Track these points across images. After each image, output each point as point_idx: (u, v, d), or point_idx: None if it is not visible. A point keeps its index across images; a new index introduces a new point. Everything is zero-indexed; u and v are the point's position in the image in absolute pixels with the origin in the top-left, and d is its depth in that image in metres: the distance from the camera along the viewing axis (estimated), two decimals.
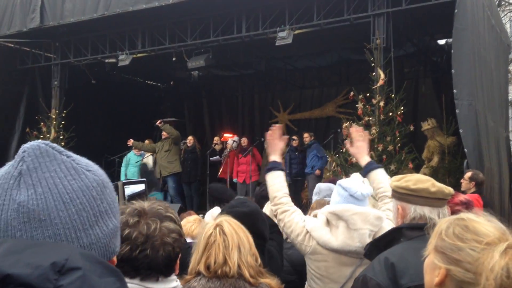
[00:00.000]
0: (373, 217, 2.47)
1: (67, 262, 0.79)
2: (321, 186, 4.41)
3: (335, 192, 2.64)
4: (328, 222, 2.54)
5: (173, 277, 1.44)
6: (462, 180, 6.08)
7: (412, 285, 1.76)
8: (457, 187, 5.81)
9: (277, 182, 2.79)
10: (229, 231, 1.94)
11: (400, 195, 2.03)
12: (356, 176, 3.21)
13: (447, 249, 1.38)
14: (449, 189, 2.03)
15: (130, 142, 10.50)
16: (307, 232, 2.56)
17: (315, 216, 2.80)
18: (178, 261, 1.46)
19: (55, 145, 0.91)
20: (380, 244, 2.03)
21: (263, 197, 4.09)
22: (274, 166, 2.86)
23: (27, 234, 0.84)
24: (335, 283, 2.50)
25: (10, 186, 0.85)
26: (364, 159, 2.94)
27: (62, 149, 0.92)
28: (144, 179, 4.94)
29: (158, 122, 10.19)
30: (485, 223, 1.38)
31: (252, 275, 1.89)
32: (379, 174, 2.84)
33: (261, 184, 4.53)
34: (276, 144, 2.96)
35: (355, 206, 2.47)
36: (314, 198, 4.38)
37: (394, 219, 2.10)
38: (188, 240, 3.23)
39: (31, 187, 0.85)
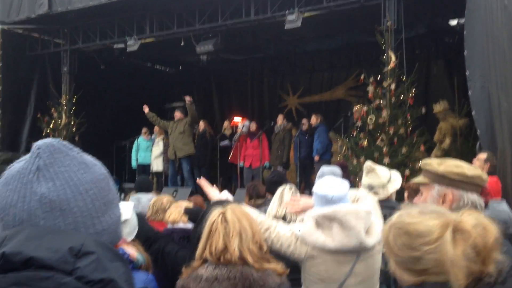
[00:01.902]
0: (364, 213, 2.47)
1: (83, 247, 0.87)
2: (324, 169, 4.41)
3: (314, 198, 2.59)
4: (318, 225, 2.49)
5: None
6: (475, 160, 5.99)
7: None
8: None
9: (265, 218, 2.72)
10: (231, 219, 1.97)
11: (451, 181, 1.95)
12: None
13: (409, 263, 1.36)
14: (486, 175, 2.02)
15: (146, 108, 10.35)
16: (297, 239, 2.49)
17: (301, 221, 2.75)
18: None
19: (65, 142, 1.00)
20: None
21: (274, 183, 4.11)
22: (223, 202, 2.73)
23: (49, 222, 0.92)
24: (335, 283, 2.49)
25: (29, 180, 0.93)
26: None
27: (72, 146, 1.01)
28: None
29: (188, 99, 9.97)
30: (422, 220, 1.36)
31: (255, 260, 1.92)
32: None
33: (273, 170, 4.53)
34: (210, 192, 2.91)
35: (344, 205, 2.46)
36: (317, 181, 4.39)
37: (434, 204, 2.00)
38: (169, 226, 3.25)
39: (50, 180, 0.93)
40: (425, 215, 1.36)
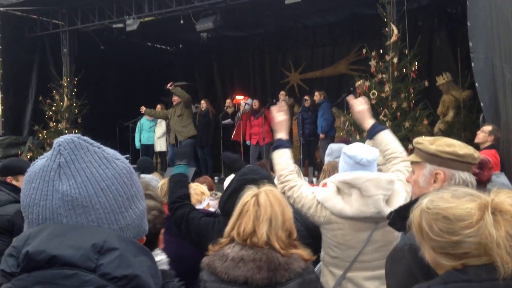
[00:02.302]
0: (385, 182, 2.46)
1: (105, 243, 0.88)
2: (332, 146, 4.42)
3: (342, 160, 2.62)
4: (339, 191, 2.53)
5: (157, 251, 1.48)
6: (479, 132, 5.98)
7: None
8: (472, 141, 5.74)
9: (282, 161, 2.78)
10: (263, 203, 1.97)
11: (442, 160, 1.94)
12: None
13: (448, 248, 1.34)
14: (477, 154, 2.00)
15: (143, 109, 10.42)
16: (318, 203, 2.56)
17: (324, 185, 2.79)
18: (161, 236, 1.50)
19: (86, 138, 0.99)
20: (405, 213, 1.98)
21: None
22: (280, 144, 2.84)
23: (72, 220, 0.92)
24: (352, 249, 2.52)
25: (51, 177, 0.93)
26: (367, 122, 2.87)
27: (92, 141, 1.00)
28: (134, 165, 5.11)
29: (168, 85, 10.06)
30: (458, 203, 1.34)
31: (282, 247, 1.93)
32: (385, 135, 2.79)
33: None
34: (282, 121, 2.92)
35: (366, 173, 2.46)
36: (327, 159, 4.39)
37: (424, 184, 1.98)
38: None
39: (71, 178, 0.93)
40: (459, 198, 1.35)
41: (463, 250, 1.32)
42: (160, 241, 1.49)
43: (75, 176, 0.93)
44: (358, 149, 2.54)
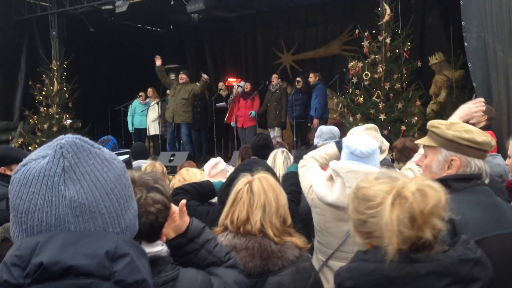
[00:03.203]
0: (365, 174, 2.44)
1: (117, 249, 0.88)
2: (322, 128, 4.41)
3: (343, 150, 2.64)
4: (330, 177, 2.58)
5: (158, 242, 1.49)
6: None
7: (473, 240, 1.66)
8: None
9: (324, 150, 2.86)
10: (257, 190, 1.96)
11: (459, 146, 1.87)
12: (358, 128, 3.17)
13: (358, 226, 1.41)
14: (494, 141, 1.95)
15: (159, 61, 9.78)
16: (311, 186, 2.65)
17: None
18: (163, 230, 1.49)
19: (86, 139, 0.97)
20: None
21: (260, 147, 4.14)
22: (339, 142, 2.85)
23: (79, 226, 0.91)
24: (333, 237, 2.55)
25: (55, 182, 0.90)
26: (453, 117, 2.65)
27: (92, 142, 0.98)
28: (128, 150, 5.07)
29: (205, 78, 9.73)
30: (373, 184, 1.38)
31: (276, 235, 1.92)
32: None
33: (259, 133, 4.56)
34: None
35: (353, 164, 2.46)
36: (316, 141, 4.39)
37: (438, 169, 1.93)
38: None
39: (77, 183, 0.91)
40: (378, 180, 1.40)
41: (367, 230, 1.38)
42: (162, 235, 1.50)
43: (81, 181, 0.91)
44: (355, 140, 2.56)
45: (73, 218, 0.89)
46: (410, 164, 2.71)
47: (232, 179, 2.37)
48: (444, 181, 1.84)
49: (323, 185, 2.56)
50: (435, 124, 1.97)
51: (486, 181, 1.93)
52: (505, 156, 3.87)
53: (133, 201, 1.00)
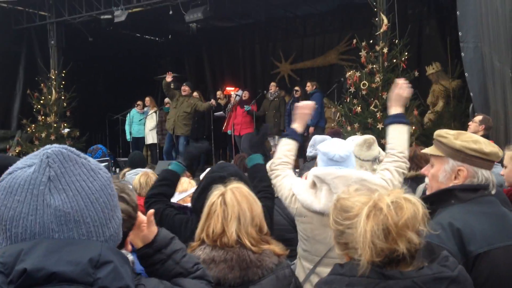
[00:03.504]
0: (355, 180, 2.42)
1: (100, 257, 0.89)
2: (316, 138, 4.43)
3: (318, 157, 2.63)
4: (314, 184, 2.56)
5: (124, 252, 1.49)
6: (470, 123, 6.00)
7: (481, 252, 1.67)
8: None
9: (283, 149, 2.80)
10: (230, 202, 1.95)
11: (466, 156, 1.85)
12: (356, 139, 3.13)
13: (337, 237, 1.42)
14: (502, 152, 1.96)
15: (170, 77, 9.74)
16: (293, 194, 2.60)
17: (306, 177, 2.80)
18: (127, 239, 1.50)
19: (73, 149, 0.98)
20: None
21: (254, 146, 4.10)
22: (289, 134, 2.86)
23: (64, 235, 0.92)
24: (321, 244, 2.53)
25: (41, 191, 0.91)
26: (392, 109, 2.74)
27: (78, 151, 0.99)
28: (107, 158, 5.08)
29: (213, 103, 9.89)
30: (352, 196, 1.39)
31: (253, 244, 1.92)
32: (394, 130, 2.68)
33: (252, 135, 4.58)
34: (304, 114, 2.93)
35: (337, 170, 2.46)
36: (309, 150, 4.39)
37: (444, 179, 1.91)
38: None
39: (62, 192, 0.92)
40: (358, 192, 1.41)
41: (344, 240, 1.39)
42: (127, 244, 1.50)
43: (66, 190, 0.92)
44: (331, 146, 2.55)
45: (57, 226, 0.90)
46: (386, 164, 2.63)
47: (203, 188, 2.37)
48: (450, 191, 1.85)
49: (308, 193, 2.54)
50: (442, 133, 1.95)
51: (493, 192, 1.92)
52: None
53: (117, 211, 1.01)
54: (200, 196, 2.39)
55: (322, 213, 2.48)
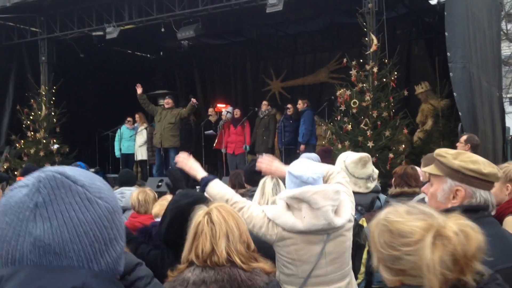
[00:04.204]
0: (332, 192, 2.49)
1: (84, 285, 0.84)
2: (303, 156, 4.48)
3: (288, 179, 2.62)
4: (288, 207, 2.54)
5: None
6: (457, 144, 6.07)
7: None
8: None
9: (219, 190, 2.73)
10: (217, 220, 1.94)
11: (465, 176, 1.85)
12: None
13: (388, 261, 1.35)
14: (500, 172, 1.92)
15: (139, 89, 9.91)
16: (269, 221, 2.55)
17: (273, 203, 2.79)
18: None
19: (69, 174, 0.92)
20: None
21: (253, 173, 4.09)
22: (207, 180, 2.79)
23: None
24: (307, 264, 2.52)
25: (26, 217, 0.87)
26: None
27: (76, 177, 0.92)
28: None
29: (194, 102, 9.74)
30: (407, 219, 1.34)
31: (243, 261, 1.90)
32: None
33: (252, 159, 4.55)
34: (193, 165, 2.91)
35: (313, 186, 2.49)
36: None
37: (443, 199, 1.92)
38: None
39: (47, 220, 0.87)
40: (411, 215, 1.34)
41: (400, 267, 1.32)
42: None
43: (51, 219, 0.86)
44: (304, 169, 2.56)
45: (35, 257, 0.86)
46: (336, 178, 2.72)
47: (172, 219, 2.35)
48: (451, 212, 1.87)
49: (286, 215, 2.52)
50: (441, 153, 1.95)
51: (493, 213, 1.92)
52: None
53: (116, 244, 0.94)
54: (171, 228, 2.37)
55: (306, 231, 2.49)
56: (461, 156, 1.90)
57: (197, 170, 2.89)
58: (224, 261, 1.88)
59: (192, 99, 9.89)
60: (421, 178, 3.99)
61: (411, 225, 1.31)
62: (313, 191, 2.46)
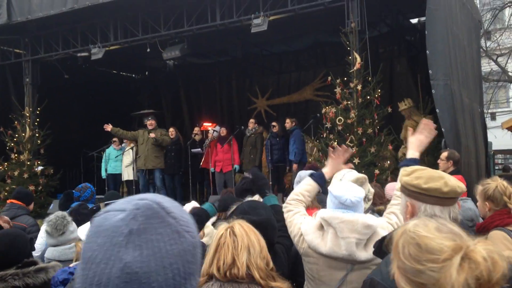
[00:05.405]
0: (361, 226, 2.43)
1: None
2: (301, 174, 4.44)
3: (328, 198, 2.63)
4: (320, 226, 2.57)
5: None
6: (439, 161, 6.13)
7: None
8: (435, 166, 5.90)
9: (303, 188, 2.88)
10: (239, 233, 1.96)
11: (410, 192, 1.95)
12: (348, 176, 3.16)
13: (409, 273, 1.36)
14: (461, 188, 1.96)
15: (109, 127, 9.98)
16: (301, 234, 2.62)
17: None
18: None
19: (164, 205, 0.93)
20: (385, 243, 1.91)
21: (245, 190, 4.09)
22: (315, 176, 2.93)
23: None
24: (326, 286, 2.53)
25: (118, 242, 0.87)
26: (410, 152, 2.72)
27: (170, 209, 0.93)
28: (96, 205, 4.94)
29: (152, 135, 9.79)
30: (436, 236, 1.35)
31: (262, 277, 1.90)
32: None
33: (243, 177, 4.55)
34: (337, 163, 3.05)
35: (344, 214, 2.46)
36: (295, 186, 4.40)
37: (402, 214, 2.04)
38: None
39: (137, 248, 0.87)
40: (441, 233, 1.35)
41: (421, 281, 1.33)
42: None
43: (142, 248, 0.87)
44: (343, 190, 2.54)
45: (120, 282, 0.86)
46: (392, 207, 2.67)
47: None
48: None
49: (315, 234, 2.54)
50: (401, 170, 2.07)
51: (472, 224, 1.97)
52: (475, 200, 3.97)
53: (193, 279, 0.94)
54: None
55: (327, 256, 2.49)
56: (415, 173, 1.97)
57: (332, 168, 3.04)
58: (244, 274, 1.88)
59: (150, 134, 9.88)
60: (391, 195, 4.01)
61: (440, 243, 1.32)
62: (341, 219, 2.43)
